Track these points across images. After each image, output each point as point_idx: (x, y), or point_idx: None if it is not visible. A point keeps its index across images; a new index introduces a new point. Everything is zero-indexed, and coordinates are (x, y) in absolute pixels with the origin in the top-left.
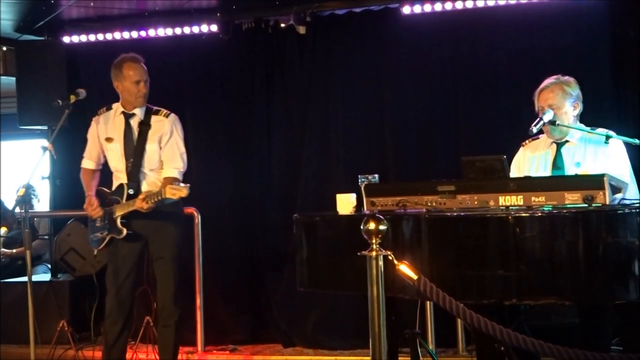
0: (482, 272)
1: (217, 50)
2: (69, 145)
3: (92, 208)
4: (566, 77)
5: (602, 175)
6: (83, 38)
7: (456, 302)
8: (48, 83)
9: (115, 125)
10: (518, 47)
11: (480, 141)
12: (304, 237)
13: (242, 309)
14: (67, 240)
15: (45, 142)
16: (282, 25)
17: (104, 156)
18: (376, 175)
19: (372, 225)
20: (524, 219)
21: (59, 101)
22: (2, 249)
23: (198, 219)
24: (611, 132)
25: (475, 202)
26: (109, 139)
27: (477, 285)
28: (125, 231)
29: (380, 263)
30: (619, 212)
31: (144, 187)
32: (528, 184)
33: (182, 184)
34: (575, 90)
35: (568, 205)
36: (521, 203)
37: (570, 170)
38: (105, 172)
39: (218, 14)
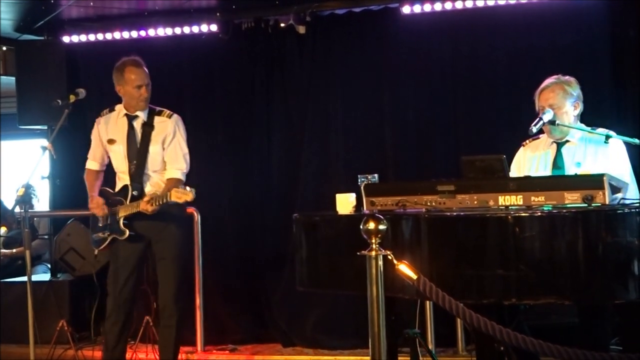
0: (481, 271)
1: (216, 50)
2: (69, 145)
3: (98, 206)
4: (567, 77)
5: (602, 175)
6: (83, 38)
7: (456, 301)
8: (48, 83)
9: (118, 127)
10: (517, 46)
11: (480, 141)
12: (304, 236)
13: (242, 308)
14: (66, 240)
15: (45, 142)
16: (282, 25)
17: (108, 157)
18: (376, 175)
19: (371, 225)
20: (524, 218)
21: (59, 101)
22: (2, 249)
23: (198, 218)
24: (611, 132)
25: (475, 202)
26: (111, 141)
27: (476, 284)
28: (127, 232)
29: (380, 263)
30: (619, 211)
31: (148, 189)
32: (528, 184)
33: (187, 188)
34: (575, 90)
35: (568, 205)
36: (521, 203)
37: (570, 170)
38: (108, 172)
39: (218, 14)
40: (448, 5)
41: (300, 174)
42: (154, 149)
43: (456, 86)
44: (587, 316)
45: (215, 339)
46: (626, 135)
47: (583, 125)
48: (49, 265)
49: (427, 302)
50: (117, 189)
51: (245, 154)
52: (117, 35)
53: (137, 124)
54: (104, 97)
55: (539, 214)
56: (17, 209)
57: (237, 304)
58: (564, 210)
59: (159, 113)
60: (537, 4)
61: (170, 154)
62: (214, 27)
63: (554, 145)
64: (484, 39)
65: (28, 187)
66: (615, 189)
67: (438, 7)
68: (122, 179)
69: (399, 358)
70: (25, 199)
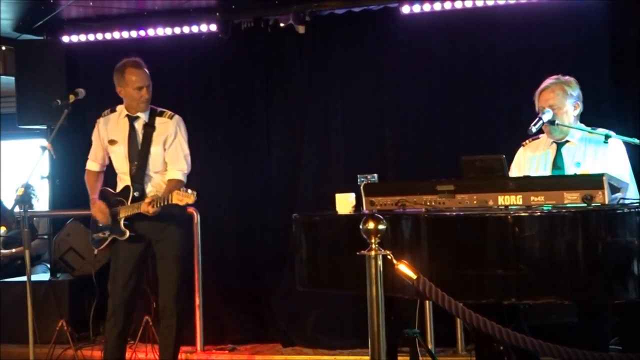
0: (481, 271)
1: (216, 49)
2: (68, 144)
3: (101, 212)
4: (567, 77)
5: (601, 175)
6: (82, 38)
7: (455, 301)
8: (47, 83)
9: (120, 128)
10: (517, 46)
11: (479, 141)
12: (304, 236)
13: (242, 308)
14: (66, 239)
15: (44, 142)
16: (282, 24)
17: (109, 158)
18: (375, 175)
19: (371, 225)
20: (523, 218)
21: (58, 101)
22: (2, 249)
23: (198, 218)
24: (611, 132)
25: (475, 202)
26: (112, 142)
27: (476, 284)
28: (128, 233)
29: (380, 263)
30: (618, 211)
31: (149, 189)
32: (527, 184)
33: (189, 190)
34: (575, 90)
35: (567, 205)
36: (520, 203)
37: (570, 170)
38: (109, 172)
39: (217, 14)
40: (447, 5)
41: (300, 174)
42: (155, 149)
43: (456, 86)
44: (586, 316)
45: (215, 338)
46: (626, 135)
47: (583, 125)
48: (49, 265)
49: (427, 302)
50: (118, 190)
51: (245, 154)
52: (116, 35)
53: (139, 125)
54: (104, 97)
55: (539, 213)
56: (17, 209)
57: (237, 303)
58: (564, 210)
59: (160, 114)
60: (537, 4)
61: (172, 155)
62: (213, 27)
63: (554, 145)
64: (483, 38)
65: (27, 187)
66: (614, 189)
67: (438, 7)
68: (123, 179)
69: (399, 358)
70: (24, 199)
